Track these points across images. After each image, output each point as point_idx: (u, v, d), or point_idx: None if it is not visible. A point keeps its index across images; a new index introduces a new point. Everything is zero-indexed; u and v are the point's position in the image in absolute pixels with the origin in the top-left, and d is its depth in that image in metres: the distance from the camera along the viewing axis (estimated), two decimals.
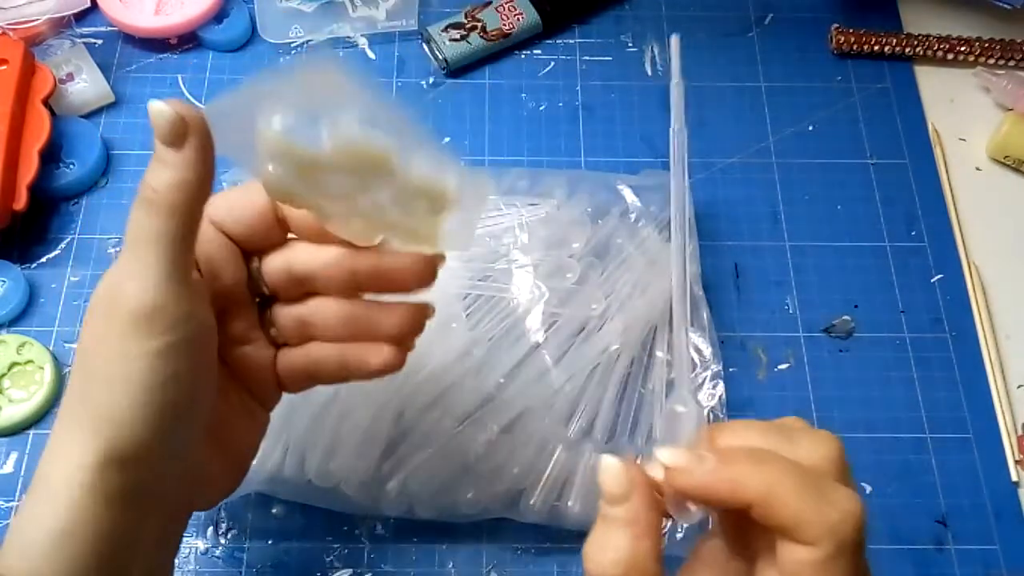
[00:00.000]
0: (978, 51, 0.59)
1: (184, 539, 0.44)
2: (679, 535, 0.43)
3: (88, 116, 0.56)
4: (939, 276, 0.53)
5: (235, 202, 0.33)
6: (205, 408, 0.32)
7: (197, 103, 0.57)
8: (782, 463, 0.26)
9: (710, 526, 0.31)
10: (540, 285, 0.47)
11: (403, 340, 0.35)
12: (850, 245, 0.54)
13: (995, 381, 0.50)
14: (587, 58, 0.60)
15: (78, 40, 0.58)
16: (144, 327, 0.29)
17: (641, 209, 0.50)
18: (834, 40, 0.60)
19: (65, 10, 0.56)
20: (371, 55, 0.60)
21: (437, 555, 0.45)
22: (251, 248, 0.34)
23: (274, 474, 0.43)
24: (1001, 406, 0.49)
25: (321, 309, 0.34)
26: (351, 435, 0.43)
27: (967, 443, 0.48)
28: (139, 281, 0.29)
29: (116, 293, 0.29)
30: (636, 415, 0.45)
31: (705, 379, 0.46)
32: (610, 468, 0.27)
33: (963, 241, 0.54)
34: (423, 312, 0.35)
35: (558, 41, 0.61)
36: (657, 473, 0.28)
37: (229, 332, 0.34)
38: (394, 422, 0.44)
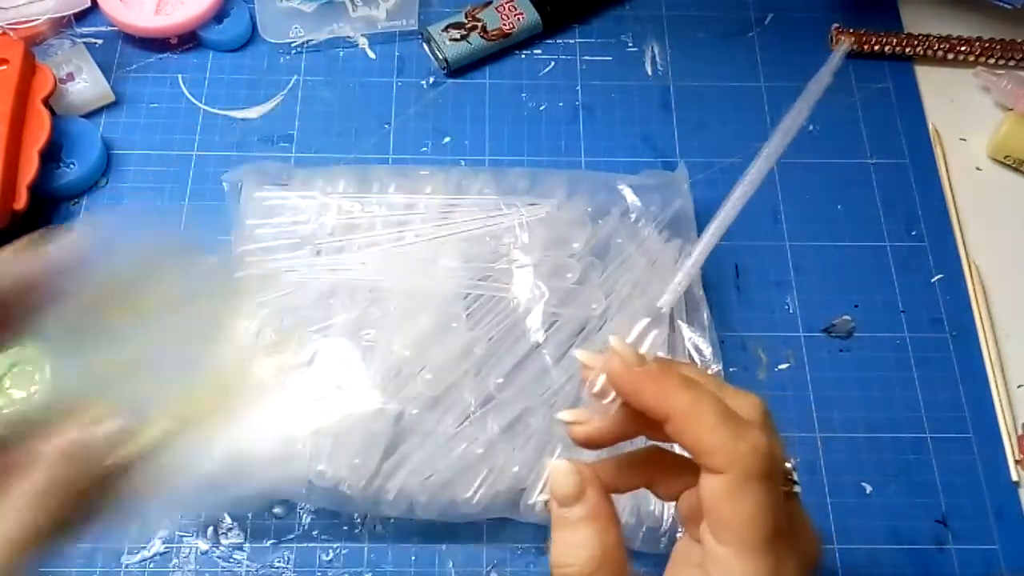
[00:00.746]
0: (978, 51, 0.59)
1: (184, 539, 0.45)
2: (679, 535, 0.43)
3: (88, 116, 0.56)
4: (939, 276, 0.53)
5: None
6: None
7: (197, 103, 0.57)
8: (709, 393, 0.28)
9: (678, 533, 0.32)
10: (540, 285, 0.47)
11: None
12: (850, 245, 0.54)
13: (995, 381, 0.50)
14: (587, 58, 0.60)
15: (78, 40, 0.58)
16: None
17: (641, 209, 0.50)
18: (834, 40, 0.60)
19: (65, 10, 0.56)
20: (371, 55, 0.60)
21: (437, 555, 0.45)
22: None
23: (274, 475, 0.43)
24: (1001, 406, 0.49)
25: None
26: (351, 435, 0.43)
27: (967, 443, 0.48)
28: None
29: None
30: None
31: None
32: (560, 469, 0.29)
33: (963, 241, 0.54)
34: None
35: (558, 41, 0.61)
36: (588, 359, 0.29)
37: None
38: (394, 422, 0.44)
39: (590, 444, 0.30)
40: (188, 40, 0.59)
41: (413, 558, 0.45)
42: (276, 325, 0.45)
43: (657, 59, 0.60)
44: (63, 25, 0.58)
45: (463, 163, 0.56)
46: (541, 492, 0.42)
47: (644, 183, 0.51)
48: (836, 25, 0.60)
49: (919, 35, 0.60)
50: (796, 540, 0.28)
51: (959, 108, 0.59)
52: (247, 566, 0.44)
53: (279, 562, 0.44)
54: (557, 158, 0.56)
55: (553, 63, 0.60)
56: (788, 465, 0.29)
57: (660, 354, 0.46)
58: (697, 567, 0.28)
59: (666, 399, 0.28)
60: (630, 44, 0.60)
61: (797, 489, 0.29)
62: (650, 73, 0.59)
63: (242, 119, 0.57)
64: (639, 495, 0.43)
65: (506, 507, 0.43)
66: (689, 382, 0.28)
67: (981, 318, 0.51)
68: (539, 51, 0.60)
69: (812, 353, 0.50)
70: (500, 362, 0.45)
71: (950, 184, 0.56)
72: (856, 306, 0.52)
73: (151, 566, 0.44)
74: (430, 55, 0.59)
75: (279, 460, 0.38)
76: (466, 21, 0.59)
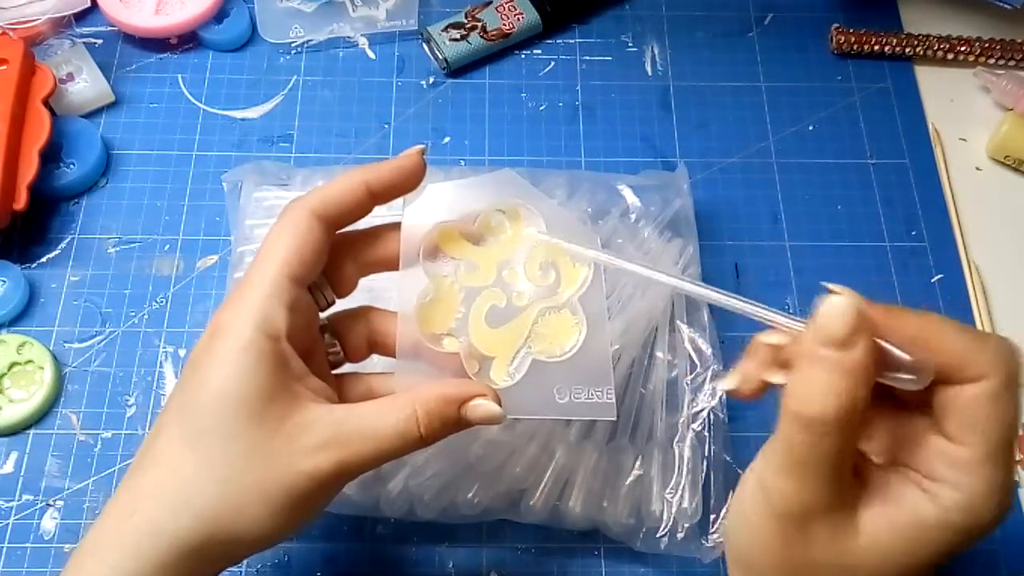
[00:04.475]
0: (978, 51, 0.59)
1: None
2: (680, 535, 0.43)
3: (88, 116, 0.56)
4: (939, 276, 0.53)
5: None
6: None
7: (197, 103, 0.57)
8: (943, 316, 0.28)
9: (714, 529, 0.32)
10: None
11: None
12: (850, 245, 0.54)
13: None
14: (587, 58, 0.60)
15: (78, 40, 0.57)
16: None
17: (641, 209, 0.50)
18: (834, 40, 0.60)
19: (65, 10, 0.56)
20: (371, 55, 0.60)
21: (437, 555, 0.45)
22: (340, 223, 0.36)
23: None
24: None
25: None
26: None
27: None
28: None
29: None
30: (636, 415, 0.45)
31: (705, 379, 0.46)
32: (838, 306, 0.26)
33: (963, 241, 0.54)
34: None
35: (558, 41, 0.61)
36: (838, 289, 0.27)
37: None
38: None
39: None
40: (188, 40, 0.59)
41: (413, 558, 0.45)
42: None
43: (657, 59, 0.60)
44: (63, 25, 0.58)
45: (463, 163, 0.56)
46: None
47: (644, 183, 0.51)
48: (836, 25, 0.60)
49: (919, 35, 0.60)
50: None
51: (959, 108, 0.59)
52: (246, 566, 0.44)
53: (279, 562, 0.44)
54: (557, 158, 0.56)
55: (553, 63, 0.60)
56: None
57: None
58: (912, 487, 0.28)
59: (904, 323, 0.28)
60: (630, 44, 0.60)
61: None
62: (650, 73, 0.59)
63: (242, 119, 0.57)
64: (639, 496, 0.43)
65: (507, 508, 0.43)
66: (926, 312, 0.28)
67: (981, 318, 0.51)
68: (539, 51, 0.60)
69: None
70: None
71: (950, 184, 0.56)
72: None
73: None
74: (430, 55, 0.59)
75: None
76: (466, 21, 0.59)
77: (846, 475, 0.28)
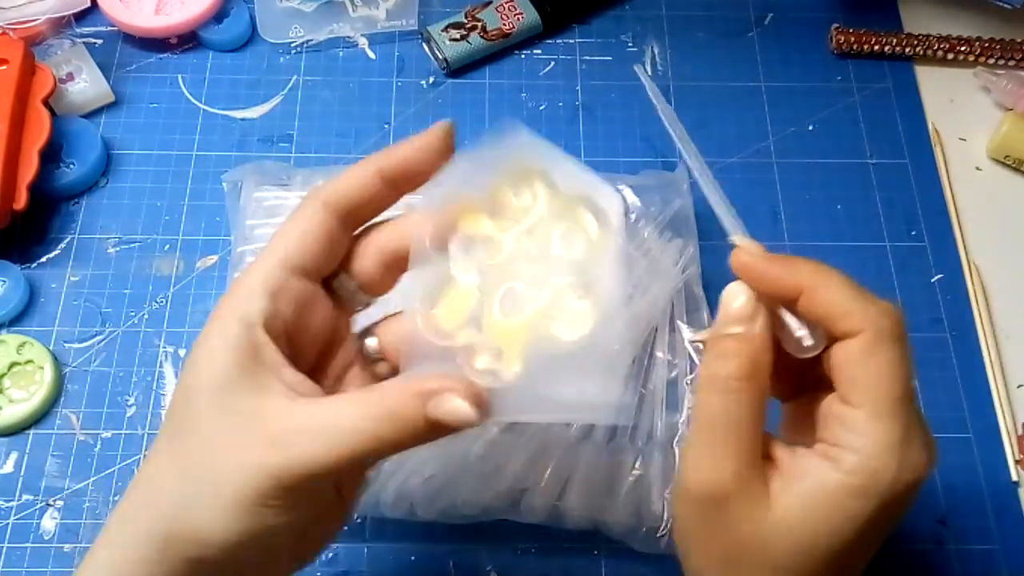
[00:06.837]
0: (978, 51, 0.59)
1: None
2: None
3: (88, 116, 0.56)
4: (939, 276, 0.53)
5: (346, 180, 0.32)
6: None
7: (197, 103, 0.57)
8: (831, 268, 0.30)
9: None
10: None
11: None
12: (850, 245, 0.54)
13: (995, 381, 0.50)
14: (587, 58, 0.60)
15: (78, 40, 0.58)
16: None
17: (641, 209, 0.50)
18: (834, 40, 0.60)
19: (65, 10, 0.56)
20: (371, 55, 0.60)
21: (437, 555, 0.45)
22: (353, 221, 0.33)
23: None
24: (1001, 406, 0.49)
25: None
26: None
27: (967, 443, 0.48)
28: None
29: None
30: (636, 415, 0.45)
31: None
32: (736, 292, 0.30)
33: (963, 241, 0.54)
34: None
35: (558, 41, 0.61)
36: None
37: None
38: None
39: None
40: (188, 40, 0.59)
41: (413, 558, 0.45)
42: None
43: (657, 59, 0.60)
44: (63, 25, 0.58)
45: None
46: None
47: (644, 183, 0.51)
48: (836, 25, 0.60)
49: (919, 35, 0.60)
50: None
51: (959, 108, 0.59)
52: None
53: None
54: None
55: (553, 63, 0.60)
56: None
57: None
58: (817, 457, 0.29)
59: (797, 273, 0.29)
60: (630, 44, 0.60)
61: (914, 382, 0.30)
62: (650, 73, 0.59)
63: (242, 119, 0.57)
64: (639, 496, 0.43)
65: (506, 508, 0.43)
66: (811, 261, 0.30)
67: (981, 318, 0.51)
68: (539, 51, 0.60)
69: None
70: None
71: (950, 184, 0.56)
72: None
73: None
74: (430, 55, 0.59)
75: None
76: (466, 21, 0.59)
77: (756, 449, 0.29)
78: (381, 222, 0.33)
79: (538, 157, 0.34)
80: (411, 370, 0.31)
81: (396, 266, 0.33)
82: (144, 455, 0.46)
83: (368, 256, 0.33)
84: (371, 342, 0.33)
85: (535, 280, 0.32)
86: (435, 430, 0.29)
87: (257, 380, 0.29)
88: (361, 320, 0.34)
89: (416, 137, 0.32)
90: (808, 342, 0.30)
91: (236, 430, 0.29)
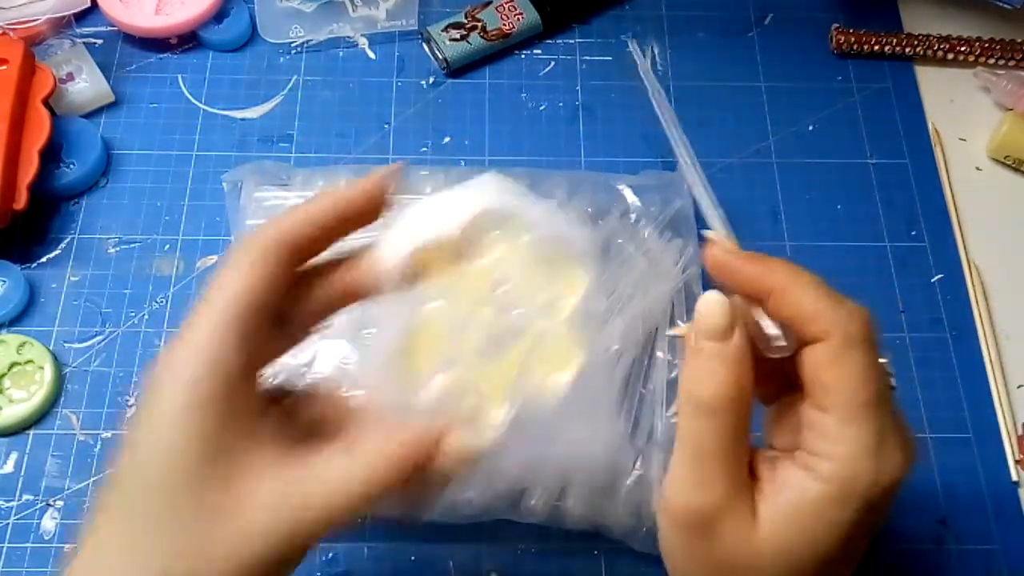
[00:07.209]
0: (978, 51, 0.59)
1: None
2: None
3: (88, 116, 0.56)
4: (939, 276, 0.53)
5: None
6: None
7: (197, 103, 0.57)
8: (808, 271, 0.29)
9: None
10: None
11: None
12: (850, 245, 0.54)
13: (995, 381, 0.50)
14: (587, 58, 0.60)
15: (78, 40, 0.57)
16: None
17: (641, 209, 0.50)
18: (834, 40, 0.60)
19: (65, 10, 0.56)
20: (371, 55, 0.60)
21: (437, 555, 0.45)
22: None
23: None
24: (1001, 406, 0.49)
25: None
26: None
27: (967, 443, 0.48)
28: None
29: None
30: (637, 416, 0.45)
31: None
32: (712, 300, 0.29)
33: (963, 241, 0.54)
34: None
35: (558, 41, 0.61)
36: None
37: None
38: None
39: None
40: (188, 40, 0.59)
41: (413, 558, 0.45)
42: None
43: (657, 59, 0.60)
44: (63, 25, 0.58)
45: (463, 163, 0.56)
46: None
47: (644, 183, 0.51)
48: (836, 25, 0.60)
49: (919, 35, 0.60)
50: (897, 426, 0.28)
51: (959, 108, 0.59)
52: None
53: None
54: (557, 158, 0.56)
55: (553, 63, 0.60)
56: (883, 360, 0.29)
57: None
58: (797, 468, 0.28)
59: (769, 273, 0.29)
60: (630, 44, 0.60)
61: (893, 383, 0.29)
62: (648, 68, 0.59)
63: (242, 119, 0.57)
64: (639, 496, 0.43)
65: (506, 507, 0.43)
66: (785, 262, 0.29)
67: (981, 318, 0.51)
68: (539, 51, 0.60)
69: None
70: None
71: (950, 184, 0.56)
72: None
73: None
74: (430, 55, 0.59)
75: None
76: (466, 21, 0.59)
77: (742, 470, 0.28)
78: (329, 259, 0.32)
79: (509, 197, 0.33)
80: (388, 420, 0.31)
81: (341, 303, 0.32)
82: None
83: (313, 292, 0.32)
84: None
85: (509, 322, 0.32)
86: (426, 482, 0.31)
87: (236, 444, 0.28)
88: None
89: (362, 180, 0.31)
90: (781, 343, 0.29)
91: (220, 511, 0.28)
